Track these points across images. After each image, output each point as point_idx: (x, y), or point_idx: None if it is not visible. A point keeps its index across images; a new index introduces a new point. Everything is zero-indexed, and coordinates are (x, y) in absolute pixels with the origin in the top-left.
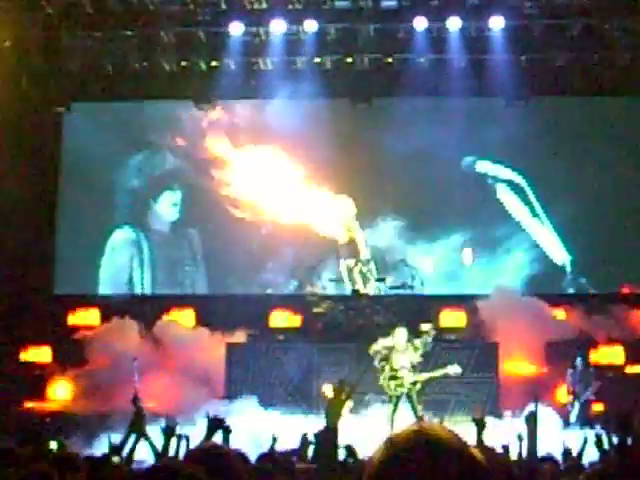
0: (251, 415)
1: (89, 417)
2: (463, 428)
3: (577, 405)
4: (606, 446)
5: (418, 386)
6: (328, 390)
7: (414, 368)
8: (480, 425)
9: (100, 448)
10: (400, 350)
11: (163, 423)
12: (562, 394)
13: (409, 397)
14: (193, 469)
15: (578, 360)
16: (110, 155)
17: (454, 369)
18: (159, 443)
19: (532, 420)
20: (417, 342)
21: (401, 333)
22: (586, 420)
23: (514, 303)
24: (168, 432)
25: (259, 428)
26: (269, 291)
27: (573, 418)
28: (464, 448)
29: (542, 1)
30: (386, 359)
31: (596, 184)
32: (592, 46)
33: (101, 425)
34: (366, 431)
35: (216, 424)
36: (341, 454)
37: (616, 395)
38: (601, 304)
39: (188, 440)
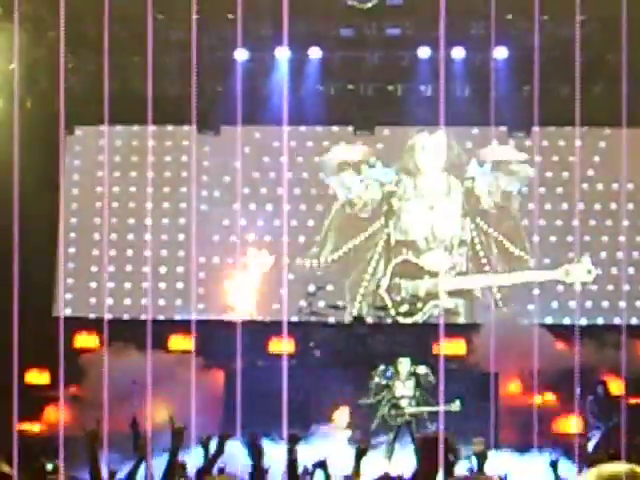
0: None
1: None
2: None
3: (597, 434)
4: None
5: (418, 416)
6: (338, 417)
7: (415, 398)
8: (482, 458)
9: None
10: (402, 380)
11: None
12: (566, 425)
13: (409, 427)
14: None
15: (599, 388)
16: (114, 177)
17: (454, 406)
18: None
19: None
20: (420, 372)
21: (404, 363)
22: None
23: (514, 332)
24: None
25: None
26: (276, 306)
27: (591, 447)
28: None
29: (545, 32)
30: (388, 387)
31: (602, 214)
32: (595, 78)
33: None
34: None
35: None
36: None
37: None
38: (603, 335)
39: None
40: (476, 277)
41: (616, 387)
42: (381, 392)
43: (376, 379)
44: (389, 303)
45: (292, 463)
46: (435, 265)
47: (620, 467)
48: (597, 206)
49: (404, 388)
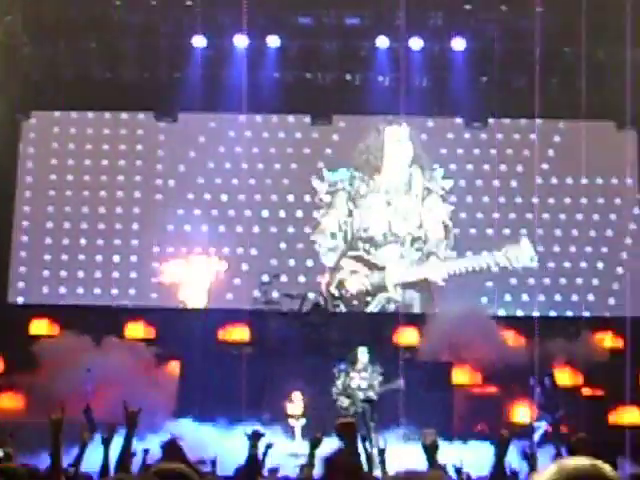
0: (201, 429)
1: (39, 427)
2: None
3: (544, 424)
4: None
5: (368, 405)
6: (296, 399)
7: (371, 387)
8: (431, 449)
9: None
10: (359, 369)
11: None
12: (517, 414)
13: (363, 417)
14: None
15: (546, 379)
16: (68, 165)
17: (397, 384)
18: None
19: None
20: (376, 365)
21: (362, 352)
22: (558, 440)
23: (468, 322)
24: (254, 437)
25: (212, 441)
26: (229, 296)
27: (537, 437)
28: None
29: (503, 24)
30: (346, 374)
31: (556, 207)
32: (552, 70)
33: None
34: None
35: (257, 437)
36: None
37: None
38: (557, 326)
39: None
40: (423, 267)
41: (564, 378)
42: (337, 382)
43: (333, 370)
44: (339, 296)
45: (253, 457)
46: (388, 259)
47: (583, 461)
48: (551, 200)
49: (359, 378)
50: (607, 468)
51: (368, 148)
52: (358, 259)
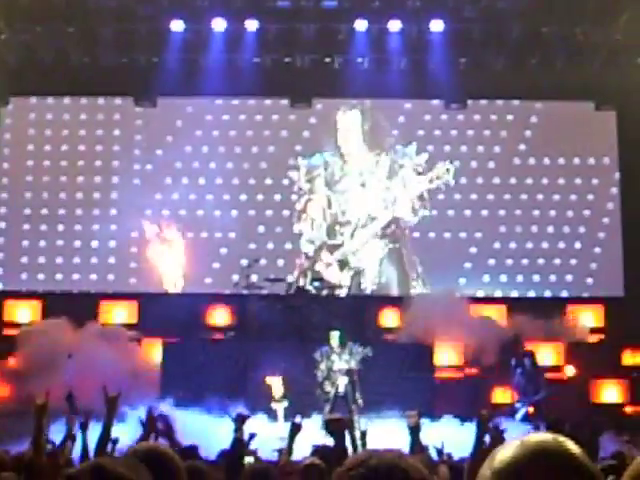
0: (187, 412)
1: (21, 414)
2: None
3: (525, 405)
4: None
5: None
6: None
7: (350, 372)
8: (414, 431)
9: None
10: (336, 352)
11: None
12: (498, 395)
13: (345, 399)
14: (128, 469)
15: (526, 360)
16: (45, 151)
17: (366, 351)
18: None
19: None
20: (354, 348)
21: (334, 336)
22: (541, 421)
23: (449, 303)
24: (239, 420)
25: (196, 425)
26: (208, 281)
27: (519, 417)
28: (592, 467)
29: (481, 5)
30: (327, 358)
31: (533, 188)
32: (530, 50)
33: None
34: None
35: (242, 420)
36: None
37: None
38: (536, 305)
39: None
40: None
41: (545, 358)
42: (319, 365)
43: (315, 354)
44: (310, 287)
45: (238, 441)
46: (363, 242)
47: (546, 437)
48: (529, 180)
49: (340, 361)
50: (570, 443)
51: (336, 132)
52: (335, 249)
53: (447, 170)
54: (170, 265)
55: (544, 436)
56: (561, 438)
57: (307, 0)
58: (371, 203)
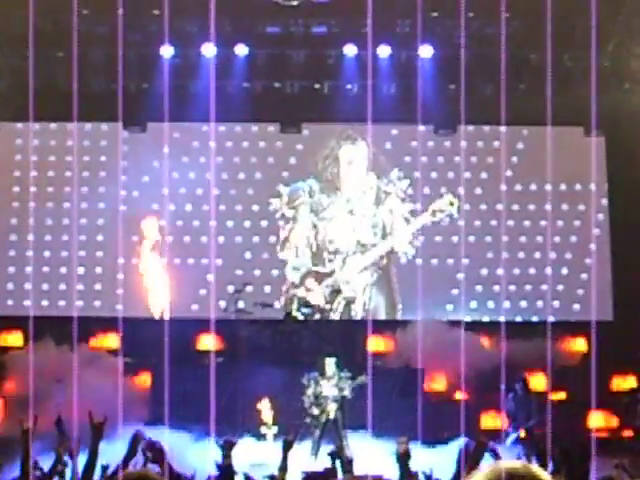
0: (173, 438)
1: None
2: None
3: (516, 431)
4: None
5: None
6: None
7: (342, 399)
8: (404, 458)
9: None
10: (328, 377)
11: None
12: (488, 420)
13: (335, 425)
14: None
15: (517, 386)
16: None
17: (361, 379)
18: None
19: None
20: (344, 374)
21: (330, 363)
22: (532, 446)
23: (439, 330)
24: (226, 446)
25: (181, 452)
26: (195, 307)
27: (509, 443)
28: None
29: (471, 31)
30: (315, 383)
31: (520, 214)
32: (518, 76)
33: (22, 447)
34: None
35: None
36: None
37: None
38: (525, 332)
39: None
40: (366, 255)
41: (537, 384)
42: (308, 390)
43: (302, 379)
44: (298, 315)
45: (227, 467)
46: (352, 268)
47: (516, 464)
48: (515, 207)
49: (329, 388)
50: (539, 470)
51: (326, 158)
52: (321, 276)
53: (451, 203)
54: (156, 292)
55: (514, 463)
56: (531, 465)
57: (297, 26)
58: (360, 231)
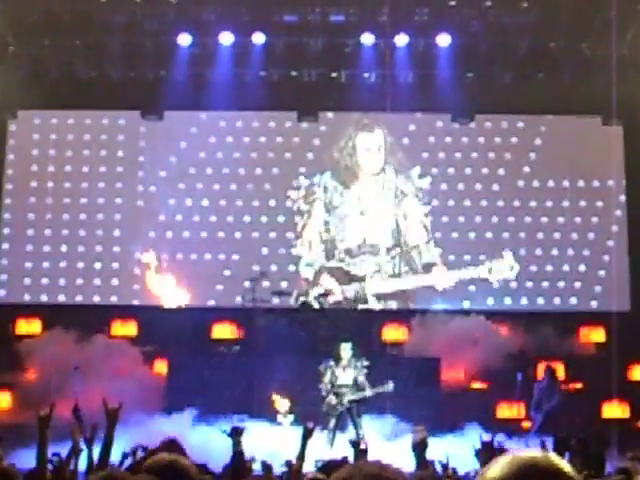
0: (189, 427)
1: (28, 427)
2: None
3: (540, 416)
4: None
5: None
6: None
7: (357, 386)
8: (421, 447)
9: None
10: (344, 365)
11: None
12: (505, 410)
13: (350, 414)
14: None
15: (546, 376)
16: (49, 172)
17: (387, 387)
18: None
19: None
20: (361, 361)
21: (345, 347)
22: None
23: (456, 319)
24: (235, 434)
25: (200, 440)
26: (211, 303)
27: (535, 428)
28: None
29: (489, 20)
30: (331, 372)
31: (537, 211)
32: (537, 65)
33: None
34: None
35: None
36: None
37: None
38: (541, 321)
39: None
40: (401, 280)
41: (559, 373)
42: (324, 379)
43: (319, 367)
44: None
45: (238, 454)
46: (365, 270)
47: (535, 453)
48: (533, 203)
49: (344, 376)
50: (557, 459)
51: (342, 150)
52: (336, 271)
53: (511, 268)
54: (172, 288)
55: (534, 453)
56: (551, 455)
57: (314, 14)
58: (371, 232)
